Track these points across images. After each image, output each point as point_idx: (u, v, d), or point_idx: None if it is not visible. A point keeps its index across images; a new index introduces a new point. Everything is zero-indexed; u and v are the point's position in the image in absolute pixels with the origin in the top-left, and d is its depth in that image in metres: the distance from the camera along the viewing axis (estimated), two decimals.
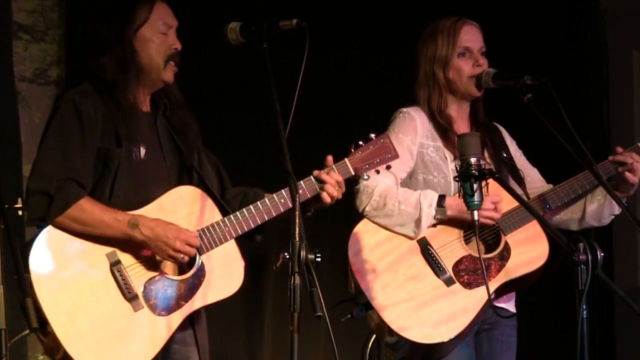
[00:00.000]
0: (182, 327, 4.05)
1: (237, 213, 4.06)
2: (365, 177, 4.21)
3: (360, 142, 4.20)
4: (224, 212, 4.10)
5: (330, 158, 4.15)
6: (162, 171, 4.12)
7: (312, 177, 4.11)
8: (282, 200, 4.07)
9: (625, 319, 6.50)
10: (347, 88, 6.44)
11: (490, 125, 4.71)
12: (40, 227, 3.93)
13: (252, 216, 4.06)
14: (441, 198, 4.43)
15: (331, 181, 4.09)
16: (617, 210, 4.61)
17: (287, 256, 3.50)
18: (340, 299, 4.49)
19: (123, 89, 4.06)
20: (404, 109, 4.58)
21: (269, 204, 4.07)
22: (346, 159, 4.17)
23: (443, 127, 4.55)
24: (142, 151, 4.07)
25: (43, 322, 3.81)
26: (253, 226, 4.07)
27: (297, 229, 3.51)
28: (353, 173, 4.17)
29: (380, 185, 4.42)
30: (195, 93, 4.20)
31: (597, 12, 6.78)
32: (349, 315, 4.48)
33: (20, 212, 3.75)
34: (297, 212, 3.53)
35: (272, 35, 3.81)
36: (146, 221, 3.93)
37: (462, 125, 4.63)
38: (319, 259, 3.55)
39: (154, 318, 3.94)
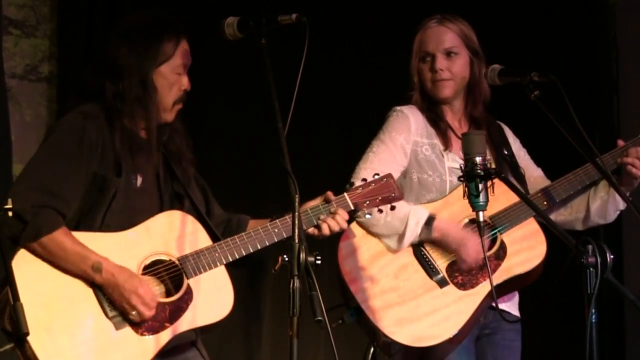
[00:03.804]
0: (184, 351, 4.06)
1: (229, 240, 4.06)
2: (368, 216, 4.21)
3: (363, 181, 4.22)
4: (214, 239, 4.09)
5: (330, 193, 4.14)
6: (154, 199, 4.12)
7: (308, 210, 4.11)
8: (276, 230, 4.08)
9: (636, 323, 6.47)
10: (348, 85, 6.42)
11: (491, 121, 4.69)
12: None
13: (244, 244, 4.06)
14: (431, 218, 4.39)
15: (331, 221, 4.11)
16: (622, 205, 4.59)
17: (287, 259, 3.46)
18: (333, 304, 4.42)
19: (131, 119, 4.05)
20: (398, 107, 4.59)
21: (262, 233, 4.07)
22: (345, 194, 4.18)
23: (434, 119, 4.55)
24: (139, 180, 4.07)
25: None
26: (244, 254, 4.06)
27: (296, 230, 3.46)
28: (352, 207, 4.16)
29: None
30: (191, 91, 4.13)
31: (607, 6, 6.74)
32: (340, 321, 4.41)
33: (10, 213, 3.70)
34: (297, 214, 3.49)
35: (271, 31, 3.76)
36: (110, 266, 3.89)
37: (459, 124, 4.62)
38: (319, 262, 3.51)
39: (136, 337, 3.91)
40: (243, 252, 4.04)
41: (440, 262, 4.41)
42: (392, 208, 4.22)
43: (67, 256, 3.86)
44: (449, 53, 4.54)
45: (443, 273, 4.40)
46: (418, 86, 4.58)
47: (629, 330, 6.54)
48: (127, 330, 3.89)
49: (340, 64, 6.43)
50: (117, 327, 3.88)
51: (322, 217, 4.09)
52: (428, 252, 4.42)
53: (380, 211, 4.21)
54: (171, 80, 4.06)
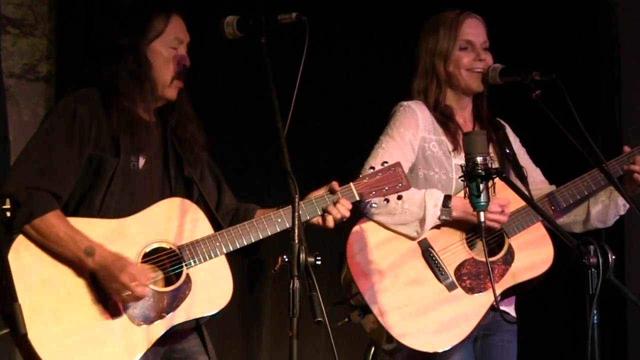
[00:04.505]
0: (186, 337, 4.05)
1: (230, 229, 4.02)
2: (374, 204, 4.18)
3: (370, 169, 4.18)
4: (217, 228, 4.06)
5: (335, 183, 4.11)
6: (159, 182, 4.09)
7: (313, 200, 4.08)
8: (279, 220, 4.04)
9: (638, 324, 6.46)
10: (349, 84, 6.39)
11: (494, 121, 4.66)
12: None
13: (246, 233, 4.02)
14: (447, 198, 4.36)
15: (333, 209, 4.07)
16: (622, 210, 4.58)
17: (286, 259, 3.44)
18: (335, 302, 4.40)
19: (129, 98, 4.03)
20: (404, 103, 4.53)
21: (264, 223, 4.04)
22: (351, 183, 4.15)
23: (443, 120, 4.50)
24: (142, 161, 4.04)
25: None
26: (245, 243, 4.03)
27: (296, 230, 3.43)
28: (358, 198, 4.13)
29: None
30: (190, 90, 4.13)
31: (608, 5, 6.72)
32: (346, 319, 4.39)
33: (8, 214, 3.71)
34: (297, 214, 3.46)
35: (271, 30, 3.74)
36: (103, 251, 3.86)
37: (462, 118, 4.58)
38: (319, 262, 3.49)
39: (132, 327, 3.89)
40: (244, 241, 4.00)
41: (449, 265, 4.38)
42: (399, 197, 4.17)
43: (60, 239, 3.83)
44: (486, 48, 4.52)
45: (452, 277, 4.37)
46: (445, 77, 4.50)
47: (631, 331, 6.52)
48: (124, 319, 3.87)
49: (340, 63, 6.41)
50: (113, 316, 3.86)
51: (325, 206, 4.05)
52: (437, 254, 4.39)
53: (387, 200, 4.17)
54: (166, 55, 4.06)
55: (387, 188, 4.14)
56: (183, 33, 4.11)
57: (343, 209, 4.06)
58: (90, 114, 3.96)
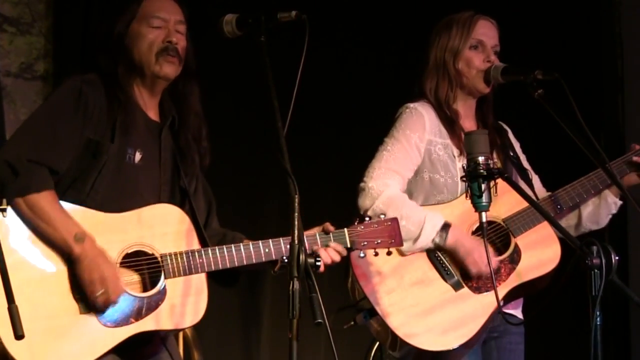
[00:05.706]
0: (152, 349, 3.99)
1: (216, 248, 3.97)
2: (362, 254, 4.10)
3: (367, 218, 4.13)
4: (203, 244, 4.02)
5: (328, 224, 4.05)
6: (154, 182, 4.05)
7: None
8: (267, 250, 3.98)
9: None
10: (349, 83, 6.38)
11: (499, 126, 4.64)
12: None
13: (231, 256, 3.96)
14: (446, 225, 4.33)
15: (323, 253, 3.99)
16: (614, 209, 4.55)
17: (286, 260, 3.43)
18: (341, 305, 4.42)
19: (123, 86, 4.02)
20: (411, 105, 4.50)
21: (251, 250, 3.98)
22: (345, 229, 4.09)
23: (449, 120, 4.47)
24: (138, 156, 4.01)
25: None
26: (229, 266, 3.96)
27: (296, 231, 3.41)
28: (349, 245, 4.07)
29: (386, 192, 4.35)
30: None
31: (611, 3, 6.70)
32: (352, 322, 4.37)
33: (5, 214, 3.67)
34: (297, 214, 3.43)
35: (270, 28, 3.73)
36: (91, 242, 3.82)
37: (468, 122, 4.56)
38: (319, 263, 3.52)
39: (98, 326, 3.83)
40: (227, 264, 3.94)
41: (455, 265, 4.36)
42: (389, 253, 4.12)
43: (51, 219, 3.79)
44: (496, 52, 4.50)
45: (457, 276, 4.35)
46: (454, 75, 4.47)
47: (634, 332, 6.52)
48: (91, 316, 3.82)
49: (340, 62, 6.41)
50: (82, 311, 3.81)
51: (315, 247, 3.98)
52: (442, 255, 4.37)
53: (376, 254, 4.11)
54: (146, 34, 4.02)
55: (379, 241, 4.09)
56: (165, 12, 4.07)
57: (334, 254, 3.99)
58: (95, 97, 3.95)
